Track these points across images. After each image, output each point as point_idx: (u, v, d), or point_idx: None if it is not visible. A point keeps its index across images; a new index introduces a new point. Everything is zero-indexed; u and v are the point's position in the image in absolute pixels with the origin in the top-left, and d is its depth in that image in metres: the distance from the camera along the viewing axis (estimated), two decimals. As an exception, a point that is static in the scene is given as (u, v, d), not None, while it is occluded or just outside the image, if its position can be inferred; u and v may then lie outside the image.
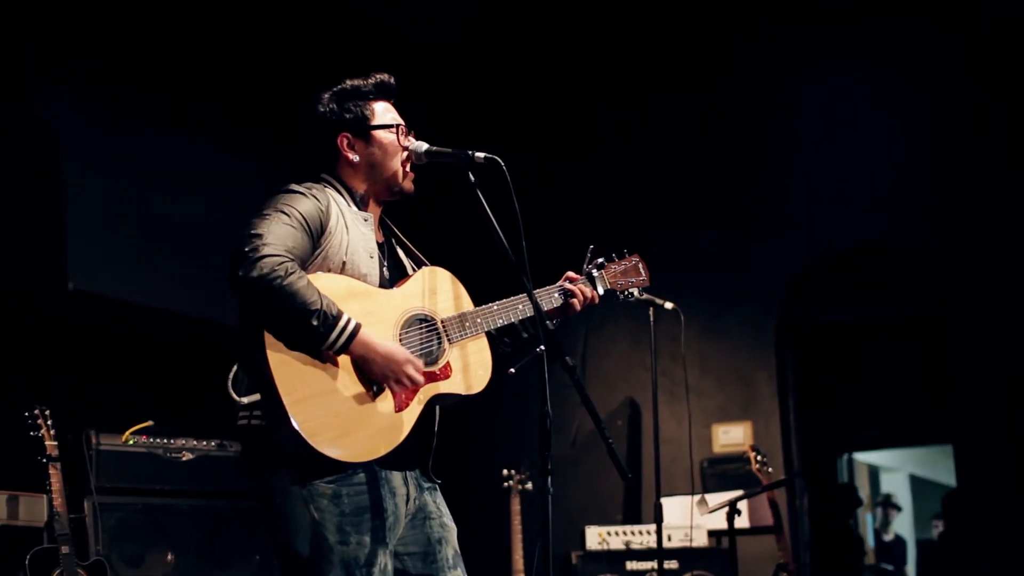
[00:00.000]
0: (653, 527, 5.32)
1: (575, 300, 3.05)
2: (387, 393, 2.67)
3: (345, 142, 2.88)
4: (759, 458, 5.49)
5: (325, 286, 2.59)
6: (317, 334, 2.52)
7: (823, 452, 8.61)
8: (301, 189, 2.75)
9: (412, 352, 2.71)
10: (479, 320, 2.86)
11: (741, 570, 5.41)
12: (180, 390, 5.59)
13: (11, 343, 5.10)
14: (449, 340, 2.81)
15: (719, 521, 5.32)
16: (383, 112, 2.92)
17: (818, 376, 7.57)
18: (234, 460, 5.21)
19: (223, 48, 6.01)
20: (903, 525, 12.07)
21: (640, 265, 3.27)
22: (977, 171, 6.13)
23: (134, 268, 5.71)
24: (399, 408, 2.68)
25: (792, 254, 6.55)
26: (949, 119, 6.25)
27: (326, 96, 2.91)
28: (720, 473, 6.28)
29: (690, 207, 6.79)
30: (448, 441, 3.06)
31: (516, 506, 5.87)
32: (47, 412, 4.53)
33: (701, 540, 5.81)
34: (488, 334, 2.92)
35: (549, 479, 2.53)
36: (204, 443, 5.22)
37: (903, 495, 12.60)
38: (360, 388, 2.63)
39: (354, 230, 2.78)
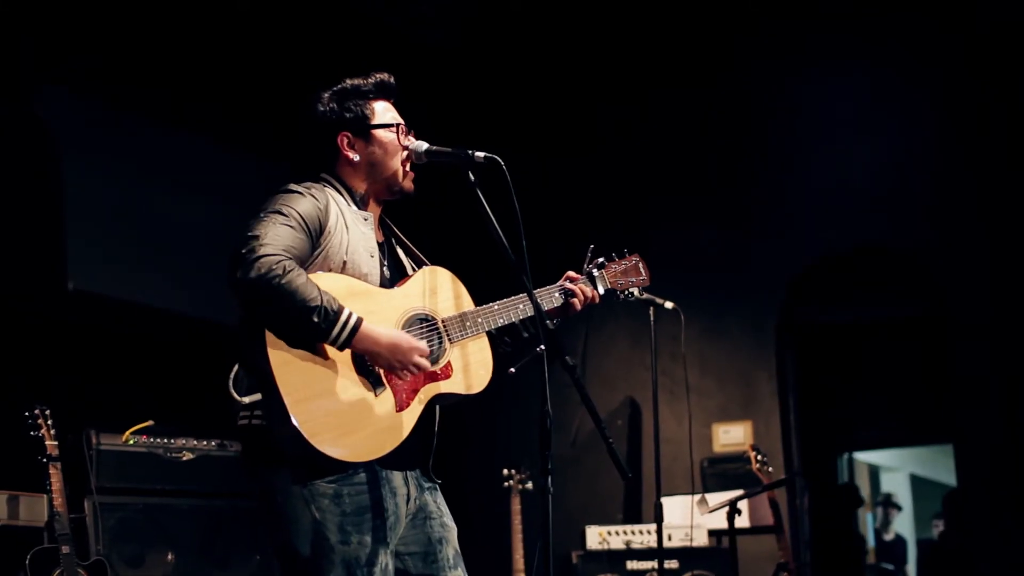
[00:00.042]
0: (653, 527, 5.33)
1: (575, 300, 3.05)
2: (388, 393, 2.67)
3: (345, 141, 2.87)
4: (759, 458, 5.48)
5: (326, 285, 2.59)
6: (319, 330, 2.52)
7: (823, 452, 8.61)
8: (300, 189, 2.75)
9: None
10: (480, 320, 2.86)
11: (741, 570, 5.41)
12: (180, 390, 5.59)
13: (11, 343, 5.10)
14: (450, 340, 2.81)
15: (719, 521, 5.32)
16: (383, 111, 2.91)
17: (818, 376, 7.58)
18: (234, 460, 5.20)
19: (223, 48, 6.01)
20: (903, 525, 12.06)
21: (640, 265, 3.28)
22: (977, 171, 6.13)
23: (134, 268, 5.71)
24: (400, 408, 2.68)
25: (792, 254, 6.55)
26: (949, 119, 6.25)
27: (326, 95, 2.90)
28: (720, 473, 6.28)
29: (690, 207, 6.79)
30: (448, 441, 3.07)
31: (516, 506, 5.87)
32: (47, 412, 4.53)
33: (701, 540, 5.80)
34: (488, 334, 2.92)
35: (549, 479, 2.53)
36: (204, 443, 5.22)
37: (903, 495, 12.60)
38: (361, 388, 2.63)
39: (354, 229, 2.78)
